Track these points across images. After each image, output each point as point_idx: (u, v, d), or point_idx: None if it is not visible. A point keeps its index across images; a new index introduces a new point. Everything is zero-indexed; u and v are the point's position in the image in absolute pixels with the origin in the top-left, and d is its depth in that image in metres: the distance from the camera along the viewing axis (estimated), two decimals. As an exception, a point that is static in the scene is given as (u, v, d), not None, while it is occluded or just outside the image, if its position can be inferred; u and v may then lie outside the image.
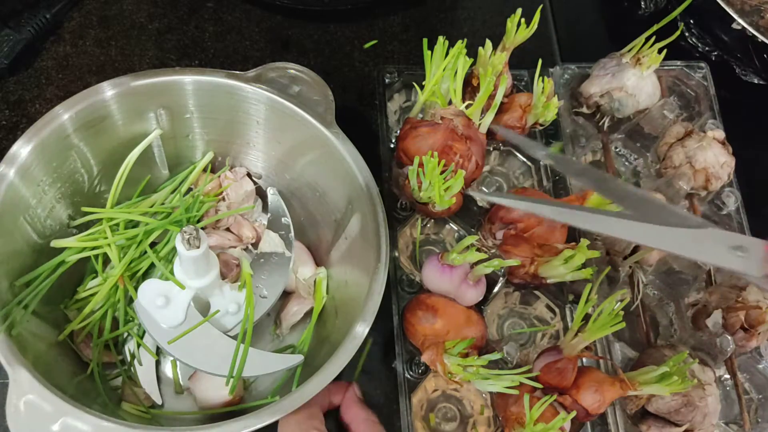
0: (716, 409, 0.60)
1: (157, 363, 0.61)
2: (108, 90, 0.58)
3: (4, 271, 0.53)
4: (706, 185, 0.71)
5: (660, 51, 0.71)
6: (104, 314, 0.59)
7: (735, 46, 0.82)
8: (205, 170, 0.67)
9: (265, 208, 0.69)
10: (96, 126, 0.58)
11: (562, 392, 0.58)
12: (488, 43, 0.68)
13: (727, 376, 0.65)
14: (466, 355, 0.56)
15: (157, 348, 0.60)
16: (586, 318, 0.57)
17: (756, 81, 0.83)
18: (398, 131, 0.70)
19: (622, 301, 0.57)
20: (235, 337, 0.57)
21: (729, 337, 0.62)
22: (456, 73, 0.64)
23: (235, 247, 0.65)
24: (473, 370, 0.54)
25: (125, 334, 0.61)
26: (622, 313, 0.55)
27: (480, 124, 0.65)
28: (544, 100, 0.67)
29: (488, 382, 0.55)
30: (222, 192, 0.66)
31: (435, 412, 0.63)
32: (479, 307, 0.64)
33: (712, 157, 0.70)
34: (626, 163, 0.77)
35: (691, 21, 0.84)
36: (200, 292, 0.58)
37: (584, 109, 0.76)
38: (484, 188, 0.73)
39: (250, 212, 0.68)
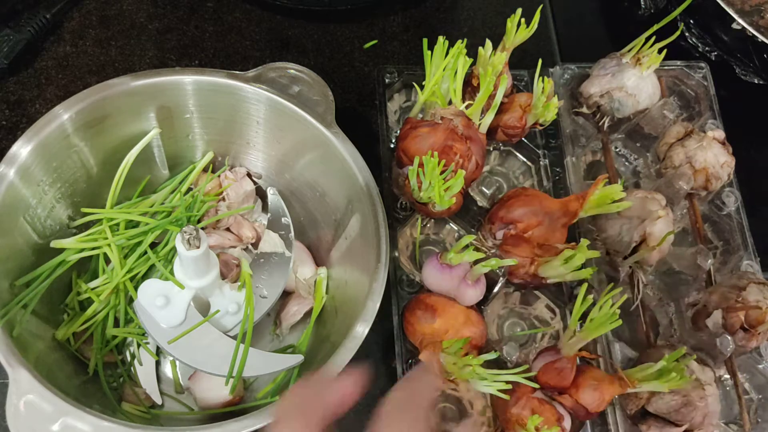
0: (716, 409, 0.60)
1: (157, 363, 0.61)
2: (108, 90, 0.58)
3: (4, 271, 0.53)
4: (706, 185, 0.71)
5: (660, 51, 0.71)
6: (105, 315, 0.59)
7: (735, 46, 0.82)
8: (205, 170, 0.67)
9: (265, 208, 0.69)
10: (96, 126, 0.58)
11: (562, 392, 0.58)
12: (488, 43, 0.68)
13: (727, 376, 0.65)
14: (465, 355, 0.56)
15: (157, 348, 0.60)
16: (585, 318, 0.57)
17: (756, 81, 0.83)
18: (398, 131, 0.70)
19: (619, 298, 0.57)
20: (235, 337, 0.57)
21: (729, 337, 0.62)
22: (456, 73, 0.64)
23: (235, 247, 0.65)
24: (470, 370, 0.54)
25: (125, 334, 0.61)
26: (618, 311, 0.55)
27: (480, 124, 0.65)
28: (544, 100, 0.67)
29: (484, 383, 0.55)
30: (222, 192, 0.66)
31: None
32: (479, 307, 0.64)
33: (712, 157, 0.70)
34: (626, 163, 0.77)
35: (691, 21, 0.84)
36: (200, 292, 0.58)
37: (584, 109, 0.76)
38: (484, 188, 0.73)
39: (250, 212, 0.68)
